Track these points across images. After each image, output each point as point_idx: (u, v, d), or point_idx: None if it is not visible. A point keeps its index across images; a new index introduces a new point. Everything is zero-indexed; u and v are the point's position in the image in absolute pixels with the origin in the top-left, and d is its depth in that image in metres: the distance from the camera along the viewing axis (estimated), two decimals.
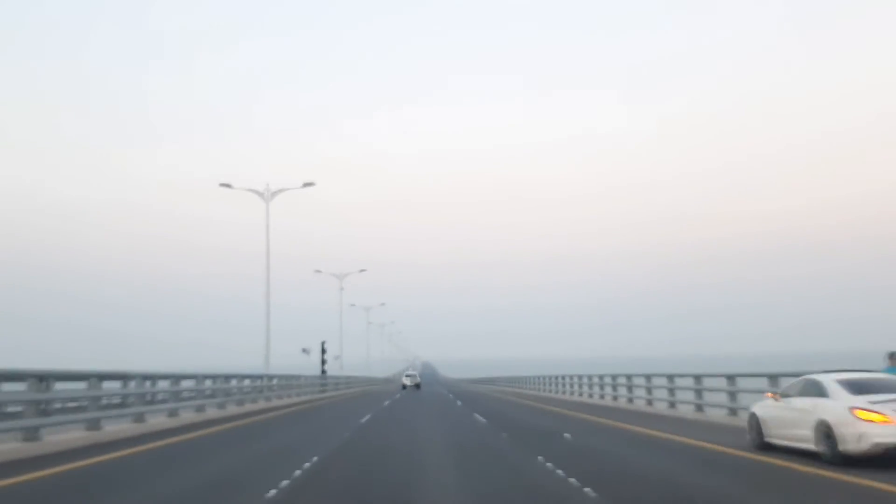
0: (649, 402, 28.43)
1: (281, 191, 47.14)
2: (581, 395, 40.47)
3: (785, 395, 14.11)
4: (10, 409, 18.69)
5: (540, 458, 13.18)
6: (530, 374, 65.62)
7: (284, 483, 10.52)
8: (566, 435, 17.97)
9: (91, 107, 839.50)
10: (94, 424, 17.49)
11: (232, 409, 27.97)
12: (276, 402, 35.49)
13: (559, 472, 11.42)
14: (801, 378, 14.25)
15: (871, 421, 11.52)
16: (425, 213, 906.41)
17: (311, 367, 65.05)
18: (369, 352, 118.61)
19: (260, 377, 36.56)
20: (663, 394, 26.93)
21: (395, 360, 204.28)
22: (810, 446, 12.51)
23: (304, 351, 69.13)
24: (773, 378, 18.88)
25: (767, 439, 14.04)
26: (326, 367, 65.42)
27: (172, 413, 22.62)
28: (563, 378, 46.40)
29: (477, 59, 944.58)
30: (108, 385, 19.01)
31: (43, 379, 15.53)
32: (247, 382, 32.90)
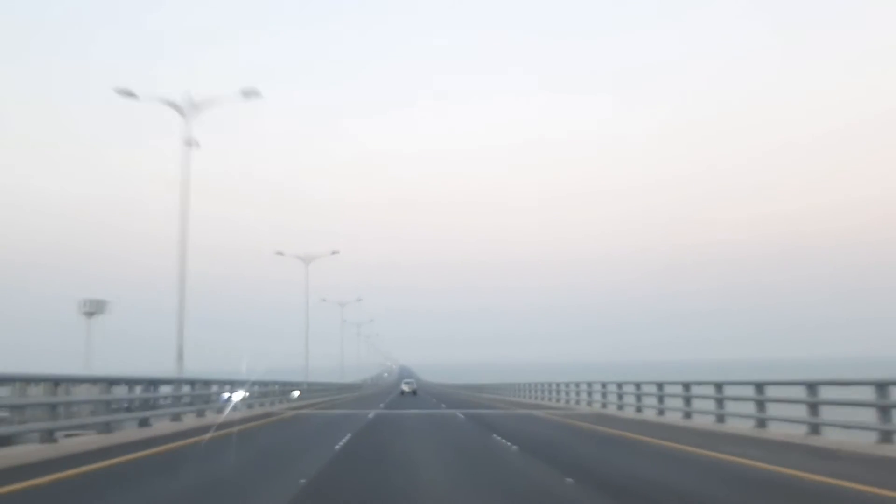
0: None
1: (209, 101, 31.91)
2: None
3: None
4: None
5: None
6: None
7: None
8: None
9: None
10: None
11: None
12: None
13: None
14: None
15: None
16: (411, 214, 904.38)
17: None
18: (343, 354, 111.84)
19: None
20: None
21: (371, 364, 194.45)
22: None
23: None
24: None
25: None
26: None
27: None
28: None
29: (460, 61, 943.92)
30: None
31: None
32: None
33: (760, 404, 19.19)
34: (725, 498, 9.80)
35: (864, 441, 15.09)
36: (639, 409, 28.74)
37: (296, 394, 45.37)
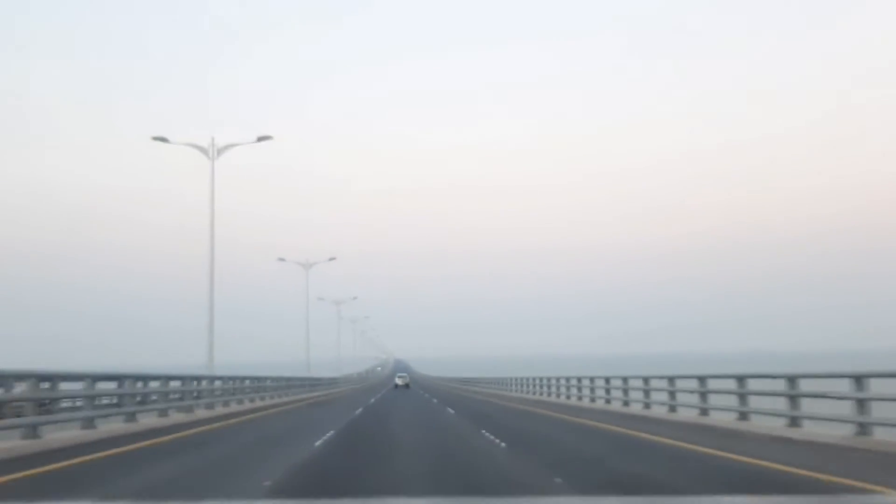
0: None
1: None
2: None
3: None
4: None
5: None
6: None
7: None
8: None
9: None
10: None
11: None
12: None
13: None
14: None
15: None
16: (405, 205, 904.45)
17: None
18: (340, 349, 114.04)
19: None
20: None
21: (367, 358, 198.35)
22: None
23: None
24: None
25: None
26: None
27: None
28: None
29: (446, 52, 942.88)
30: None
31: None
32: None
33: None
34: None
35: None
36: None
37: None
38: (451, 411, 30.78)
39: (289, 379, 49.22)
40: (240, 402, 33.20)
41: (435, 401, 43.03)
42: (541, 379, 45.43)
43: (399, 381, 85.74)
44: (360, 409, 32.10)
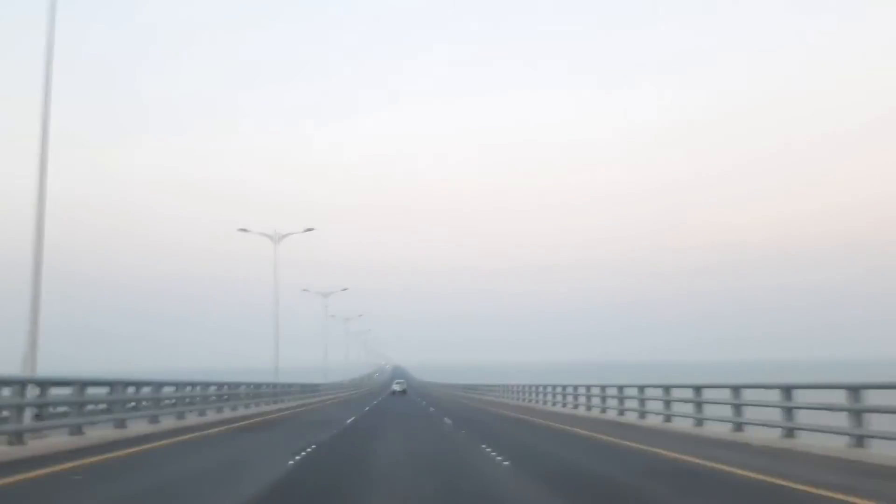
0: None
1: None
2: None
3: None
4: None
5: None
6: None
7: None
8: None
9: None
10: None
11: None
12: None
13: None
14: None
15: None
16: (415, 219, 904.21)
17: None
18: (327, 351, 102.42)
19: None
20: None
21: (364, 365, 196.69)
22: None
23: None
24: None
25: None
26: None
27: None
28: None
29: (454, 60, 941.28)
30: None
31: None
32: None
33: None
34: None
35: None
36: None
37: None
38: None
39: (222, 386, 32.77)
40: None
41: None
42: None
43: (396, 388, 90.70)
44: (311, 447, 17.03)
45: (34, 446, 15.70)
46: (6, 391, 15.72)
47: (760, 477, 11.72)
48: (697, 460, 14.21)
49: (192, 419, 26.12)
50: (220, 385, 32.83)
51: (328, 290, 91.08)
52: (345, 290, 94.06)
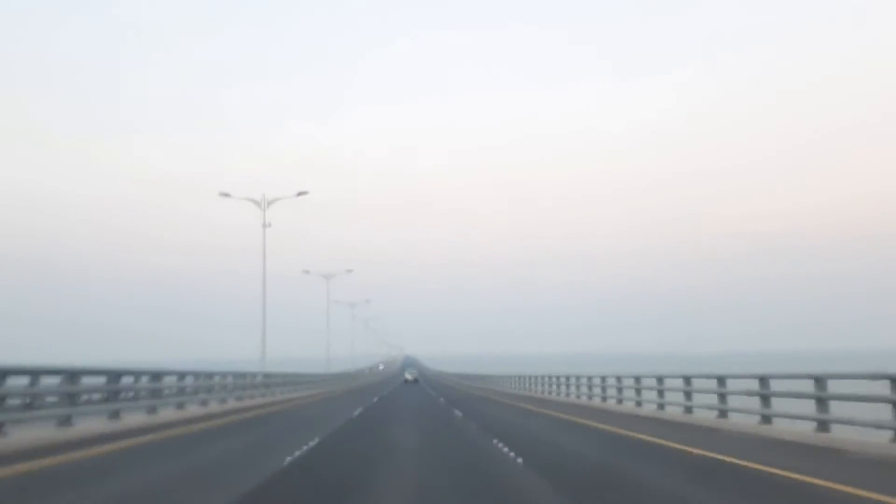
0: None
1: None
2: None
3: None
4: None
5: None
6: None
7: None
8: None
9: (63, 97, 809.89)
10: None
11: None
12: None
13: None
14: None
15: None
16: (422, 213, 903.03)
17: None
18: (329, 337, 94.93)
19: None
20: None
21: (374, 354, 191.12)
22: None
23: None
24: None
25: None
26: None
27: None
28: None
29: (466, 56, 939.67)
30: None
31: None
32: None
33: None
34: None
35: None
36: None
37: None
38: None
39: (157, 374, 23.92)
40: None
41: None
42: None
43: (409, 377, 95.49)
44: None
45: None
46: None
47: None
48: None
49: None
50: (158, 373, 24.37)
51: (331, 273, 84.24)
52: (349, 271, 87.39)
